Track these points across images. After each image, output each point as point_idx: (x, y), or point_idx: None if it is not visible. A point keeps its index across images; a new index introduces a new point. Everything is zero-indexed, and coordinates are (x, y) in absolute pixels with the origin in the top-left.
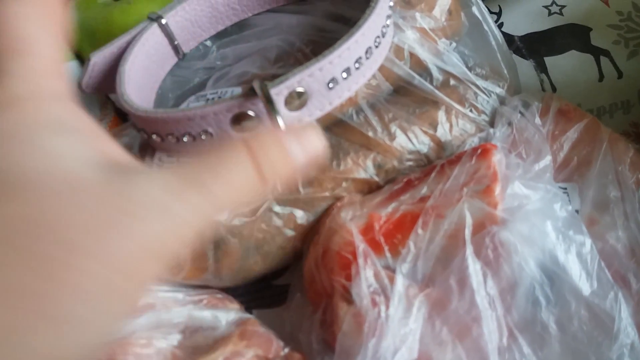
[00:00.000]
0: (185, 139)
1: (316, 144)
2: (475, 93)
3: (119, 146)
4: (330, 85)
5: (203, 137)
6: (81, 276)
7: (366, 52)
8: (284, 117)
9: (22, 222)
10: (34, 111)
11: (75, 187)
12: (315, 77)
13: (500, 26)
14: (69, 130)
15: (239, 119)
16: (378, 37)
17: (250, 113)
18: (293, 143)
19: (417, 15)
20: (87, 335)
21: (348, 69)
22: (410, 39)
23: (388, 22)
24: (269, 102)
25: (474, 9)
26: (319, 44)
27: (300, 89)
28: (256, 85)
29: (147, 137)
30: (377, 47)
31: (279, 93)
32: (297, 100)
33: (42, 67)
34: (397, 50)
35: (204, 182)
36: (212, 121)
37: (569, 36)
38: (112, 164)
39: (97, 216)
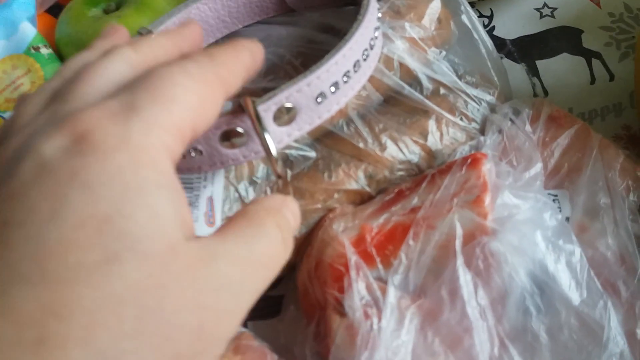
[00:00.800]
0: None
1: (296, 212)
2: (465, 101)
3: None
4: (319, 99)
5: (193, 154)
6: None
7: (354, 66)
8: (273, 132)
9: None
10: (147, 160)
11: (173, 254)
12: (304, 93)
13: (492, 30)
14: (167, 188)
15: (228, 135)
16: (366, 49)
17: (239, 130)
18: (288, 213)
19: (407, 25)
20: None
21: (336, 83)
22: (400, 49)
23: (376, 34)
24: (257, 119)
25: (464, 17)
26: (308, 55)
27: (288, 105)
28: (244, 102)
29: None
30: (365, 60)
31: (267, 109)
32: (285, 115)
33: (167, 123)
34: (387, 60)
35: (254, 259)
36: (201, 139)
37: (561, 39)
38: (191, 232)
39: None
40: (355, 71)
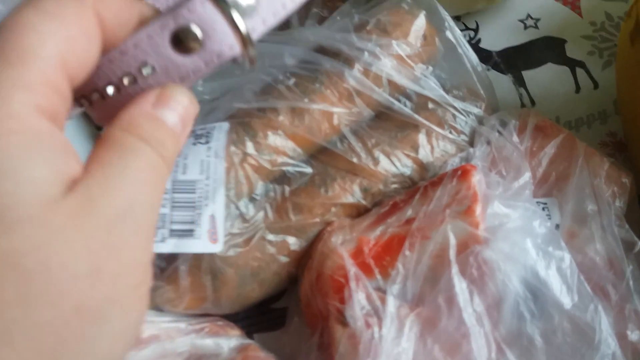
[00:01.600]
0: (126, 82)
1: (184, 101)
2: (453, 115)
3: (76, 157)
4: None
5: (145, 72)
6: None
7: None
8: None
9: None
10: (11, 128)
11: (50, 212)
12: None
13: (478, 42)
14: (38, 149)
15: (179, 39)
16: None
17: (194, 28)
18: (163, 110)
19: (394, 43)
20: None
21: None
22: (388, 67)
23: None
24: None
25: (448, 34)
26: (301, 76)
27: None
28: None
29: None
30: None
31: None
32: (244, 3)
33: (28, 82)
34: (376, 77)
35: (130, 181)
36: (148, 49)
37: (545, 49)
38: (71, 181)
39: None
40: None
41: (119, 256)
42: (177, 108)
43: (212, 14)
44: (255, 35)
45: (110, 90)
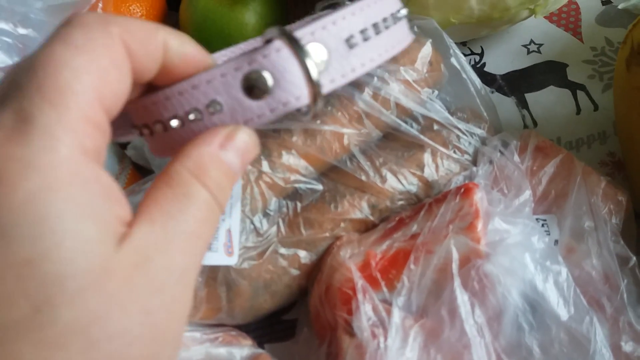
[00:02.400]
0: (192, 117)
1: (246, 139)
2: (457, 136)
3: (122, 199)
4: (350, 42)
5: (211, 109)
6: None
7: (384, 20)
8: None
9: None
10: (59, 178)
11: (106, 275)
12: (329, 31)
13: (482, 66)
14: (87, 201)
15: (251, 82)
16: (393, 14)
17: (265, 74)
18: (228, 152)
19: (401, 69)
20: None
21: (365, 30)
22: (396, 91)
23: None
24: (291, 41)
25: (453, 60)
26: None
27: (316, 45)
28: (273, 32)
29: (140, 133)
30: (393, 23)
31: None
32: (318, 58)
33: (71, 122)
34: (384, 101)
35: (188, 234)
36: (220, 87)
37: (547, 72)
38: (121, 228)
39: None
40: (386, 27)
41: (173, 314)
42: (242, 150)
43: (286, 61)
44: (323, 91)
45: (174, 123)
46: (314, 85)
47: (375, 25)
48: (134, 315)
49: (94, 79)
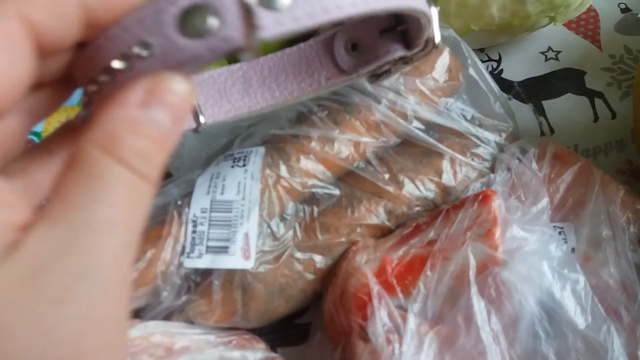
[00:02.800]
0: (120, 66)
1: (175, 89)
2: (476, 143)
3: (22, 208)
4: None
5: (144, 53)
6: None
7: None
8: (260, 17)
9: None
10: None
11: None
12: None
13: (500, 73)
14: None
15: (188, 18)
16: None
17: (206, 8)
18: (152, 110)
19: (417, 80)
20: None
21: None
22: (412, 103)
23: None
24: None
25: (471, 70)
26: (331, 108)
27: None
28: None
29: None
30: None
31: None
32: None
33: None
34: (401, 113)
35: (97, 225)
36: (151, 27)
37: (565, 80)
38: (11, 239)
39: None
40: None
41: (86, 326)
42: (172, 101)
43: None
44: (278, 29)
45: (104, 78)
46: (249, 17)
47: None
48: (22, 338)
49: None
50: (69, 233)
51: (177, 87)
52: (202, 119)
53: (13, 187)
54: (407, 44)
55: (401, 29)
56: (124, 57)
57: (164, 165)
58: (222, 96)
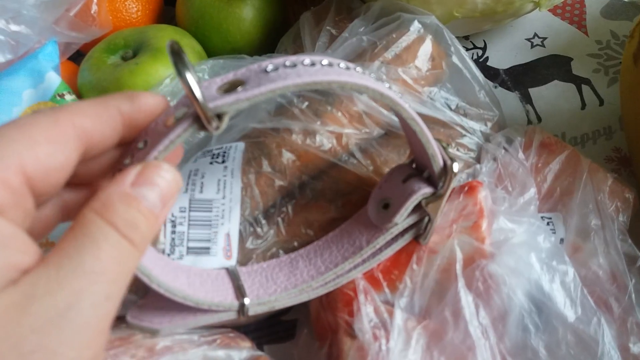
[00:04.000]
0: (127, 161)
1: (166, 177)
2: (460, 133)
3: (27, 247)
4: (269, 69)
5: (141, 145)
6: None
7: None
8: (217, 100)
9: None
10: None
11: None
12: (251, 70)
13: (485, 60)
14: None
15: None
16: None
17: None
18: (143, 189)
19: (400, 69)
20: None
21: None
22: (396, 91)
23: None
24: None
25: (454, 58)
26: (312, 100)
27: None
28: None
29: None
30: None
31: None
32: (231, 86)
33: None
34: (384, 104)
35: (83, 273)
36: (151, 128)
37: (551, 67)
38: (12, 274)
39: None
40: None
41: (58, 356)
42: (160, 184)
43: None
44: (231, 100)
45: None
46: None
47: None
48: (7, 355)
49: (20, 147)
50: (58, 276)
51: (164, 172)
52: (246, 301)
53: (25, 236)
54: (432, 183)
55: (426, 175)
56: (129, 153)
57: (152, 239)
58: (269, 280)
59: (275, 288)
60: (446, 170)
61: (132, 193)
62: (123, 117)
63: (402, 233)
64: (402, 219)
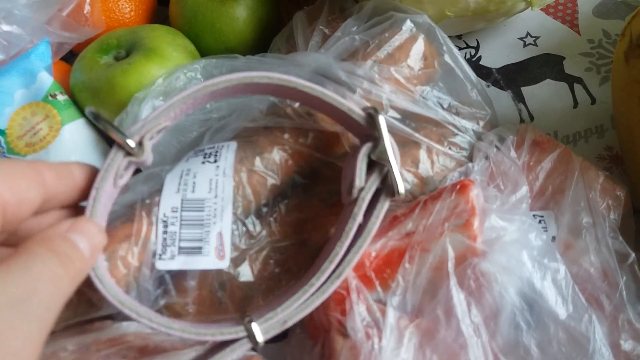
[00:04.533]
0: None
1: (93, 231)
2: (453, 132)
3: None
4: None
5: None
6: None
7: None
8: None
9: None
10: None
11: None
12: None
13: (478, 60)
14: None
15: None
16: None
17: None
18: (76, 234)
19: (392, 68)
20: None
21: None
22: (387, 91)
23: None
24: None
25: (446, 57)
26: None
27: None
28: None
29: None
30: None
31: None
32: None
33: None
34: (377, 104)
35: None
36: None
37: (544, 66)
38: None
39: None
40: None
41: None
42: (88, 235)
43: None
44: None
45: None
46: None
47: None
48: None
49: (2, 177)
50: (8, 275)
51: (90, 226)
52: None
53: None
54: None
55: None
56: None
57: (80, 282)
58: (270, 303)
59: (278, 302)
60: (371, 115)
61: (68, 236)
62: (75, 183)
63: (376, 199)
64: (363, 179)
